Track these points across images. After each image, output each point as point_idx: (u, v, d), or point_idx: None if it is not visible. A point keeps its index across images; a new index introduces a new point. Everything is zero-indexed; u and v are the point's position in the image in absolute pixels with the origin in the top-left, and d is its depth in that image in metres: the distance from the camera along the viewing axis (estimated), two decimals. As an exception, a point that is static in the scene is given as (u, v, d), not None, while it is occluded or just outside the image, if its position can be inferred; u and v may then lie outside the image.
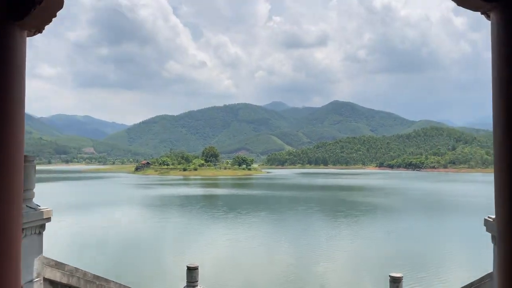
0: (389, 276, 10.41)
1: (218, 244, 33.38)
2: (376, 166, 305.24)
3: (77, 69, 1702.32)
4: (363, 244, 33.80)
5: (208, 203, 63.76)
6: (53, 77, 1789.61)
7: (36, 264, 6.31)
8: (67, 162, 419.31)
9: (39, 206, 6.54)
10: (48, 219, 6.61)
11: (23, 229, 5.91)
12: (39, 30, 4.65)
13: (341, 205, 60.34)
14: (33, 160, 6.35)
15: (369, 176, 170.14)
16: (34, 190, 6.65)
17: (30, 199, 6.42)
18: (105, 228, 40.25)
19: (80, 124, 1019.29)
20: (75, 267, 7.62)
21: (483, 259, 28.70)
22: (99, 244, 33.13)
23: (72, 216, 48.36)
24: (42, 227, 6.53)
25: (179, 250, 31.33)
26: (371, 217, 48.97)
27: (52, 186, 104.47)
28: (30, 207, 6.25)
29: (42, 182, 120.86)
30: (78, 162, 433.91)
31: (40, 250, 6.46)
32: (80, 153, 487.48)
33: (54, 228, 39.33)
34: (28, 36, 4.36)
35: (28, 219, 6.06)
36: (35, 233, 6.32)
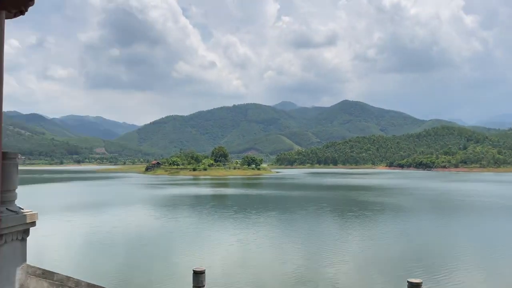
0: (407, 282, 9.56)
1: (227, 245, 32.68)
2: (386, 166, 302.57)
3: (89, 70, 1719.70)
4: (376, 245, 32.78)
5: (218, 203, 63.19)
6: (65, 78, 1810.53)
7: (19, 273, 5.56)
8: (78, 162, 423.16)
9: (22, 209, 5.79)
10: (33, 224, 5.85)
11: (2, 235, 5.22)
12: (21, 11, 4.44)
13: (352, 205, 59.26)
14: (15, 158, 5.58)
15: (379, 176, 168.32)
16: (17, 191, 5.89)
17: (12, 201, 5.67)
18: (115, 228, 39.84)
19: (91, 125, 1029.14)
20: (67, 276, 6.87)
21: (503, 262, 27.53)
22: (106, 245, 32.66)
23: (82, 216, 48.13)
24: (26, 232, 5.78)
25: (188, 251, 30.68)
26: (383, 217, 47.85)
27: (63, 187, 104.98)
28: (11, 210, 5.51)
29: (54, 183, 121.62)
30: (89, 162, 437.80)
31: (23, 258, 5.71)
32: (91, 154, 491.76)
33: (63, 229, 39.02)
34: (8, 18, 4.15)
35: (8, 224, 5.31)
36: (17, 239, 5.57)
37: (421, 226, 42.70)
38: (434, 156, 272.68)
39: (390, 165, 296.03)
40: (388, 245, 33.10)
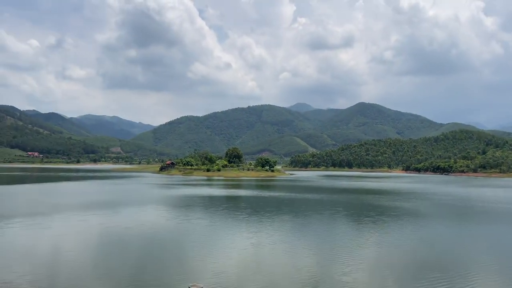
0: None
1: (241, 249, 32.07)
2: (402, 169, 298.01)
3: (106, 71, 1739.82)
4: (393, 252, 31.71)
5: (231, 205, 62.66)
6: (83, 78, 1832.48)
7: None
8: (95, 161, 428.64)
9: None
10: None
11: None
12: None
13: (369, 210, 57.99)
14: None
15: (395, 180, 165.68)
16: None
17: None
18: (127, 229, 39.61)
19: (108, 124, 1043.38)
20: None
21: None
22: (118, 247, 32.36)
23: (95, 216, 48.12)
24: None
25: (201, 254, 30.14)
26: (400, 223, 46.53)
27: (79, 185, 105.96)
28: None
29: (70, 181, 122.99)
30: (105, 161, 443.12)
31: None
32: (107, 153, 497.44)
33: (76, 229, 38.93)
34: None
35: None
36: None
37: (440, 232, 41.32)
38: (452, 160, 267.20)
39: (407, 169, 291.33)
40: (406, 252, 31.98)
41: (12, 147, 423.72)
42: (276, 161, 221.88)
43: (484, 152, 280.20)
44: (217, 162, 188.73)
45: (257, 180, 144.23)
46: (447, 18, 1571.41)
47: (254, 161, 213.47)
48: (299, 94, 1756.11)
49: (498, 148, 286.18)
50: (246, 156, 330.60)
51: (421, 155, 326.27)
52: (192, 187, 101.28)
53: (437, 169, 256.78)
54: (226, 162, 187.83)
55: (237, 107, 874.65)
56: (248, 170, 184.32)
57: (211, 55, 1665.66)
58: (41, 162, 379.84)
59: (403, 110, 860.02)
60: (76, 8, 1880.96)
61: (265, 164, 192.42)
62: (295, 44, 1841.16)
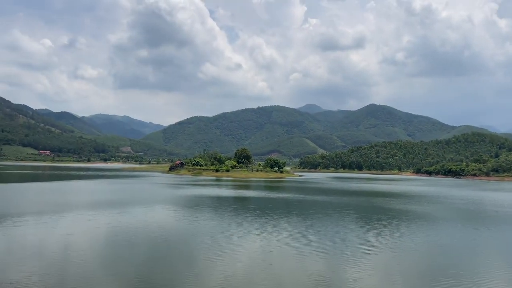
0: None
1: (250, 251, 31.69)
2: (413, 172, 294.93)
3: (117, 71, 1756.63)
4: (406, 258, 31.01)
5: (240, 206, 62.30)
6: (95, 78, 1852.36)
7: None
8: (105, 160, 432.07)
9: None
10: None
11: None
12: None
13: (379, 213, 57.13)
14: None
15: (406, 182, 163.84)
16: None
17: None
18: (136, 229, 39.43)
19: (119, 124, 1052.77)
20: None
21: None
22: (126, 247, 32.14)
23: (103, 215, 48.11)
24: None
25: (210, 256, 29.81)
26: (413, 227, 45.67)
27: (88, 184, 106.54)
28: None
29: (80, 180, 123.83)
30: (115, 160, 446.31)
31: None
32: (118, 152, 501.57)
33: (84, 229, 38.86)
34: None
35: None
36: None
37: (454, 237, 40.42)
38: (464, 163, 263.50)
39: (418, 171, 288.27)
40: (419, 257, 31.24)
41: (24, 145, 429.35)
42: (285, 162, 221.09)
43: (497, 156, 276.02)
44: (226, 162, 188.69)
45: (266, 181, 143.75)
46: (460, 19, 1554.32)
47: (263, 162, 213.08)
48: (309, 95, 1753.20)
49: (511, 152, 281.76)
50: (255, 157, 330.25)
51: (432, 158, 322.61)
52: (201, 187, 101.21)
53: (449, 172, 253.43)
54: (235, 163, 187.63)
55: (247, 107, 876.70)
56: (257, 171, 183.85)
57: (221, 55, 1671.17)
58: (53, 160, 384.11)
59: (414, 112, 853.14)
60: (89, 8, 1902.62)
61: (274, 165, 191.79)
62: (306, 45, 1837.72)
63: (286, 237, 37.11)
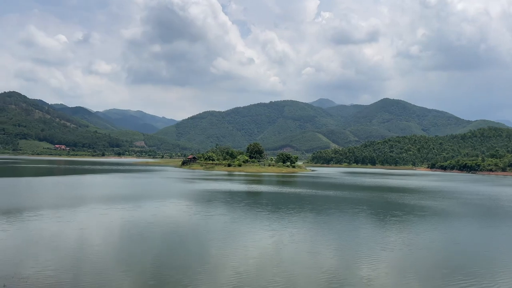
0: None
1: (262, 247, 31.34)
2: (427, 167, 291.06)
3: (131, 66, 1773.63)
4: (423, 254, 30.28)
5: (252, 201, 62.03)
6: (109, 73, 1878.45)
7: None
8: (119, 154, 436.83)
9: None
10: None
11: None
12: None
13: (394, 208, 56.23)
14: None
15: (420, 178, 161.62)
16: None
17: None
18: (149, 224, 39.43)
19: (132, 119, 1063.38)
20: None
21: None
22: (138, 240, 32.12)
23: (117, 210, 48.32)
24: None
25: (223, 250, 29.59)
26: (429, 223, 44.76)
27: (102, 178, 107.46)
28: None
29: (94, 174, 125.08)
30: (129, 154, 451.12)
31: None
32: (131, 146, 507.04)
33: (98, 223, 39.01)
34: None
35: None
36: None
37: (471, 234, 39.48)
38: (480, 158, 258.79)
39: (432, 166, 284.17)
40: (436, 255, 30.48)
41: (40, 139, 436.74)
42: (297, 157, 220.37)
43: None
44: (238, 157, 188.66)
45: (278, 176, 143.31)
46: (476, 12, 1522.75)
47: (275, 157, 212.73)
48: (322, 89, 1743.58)
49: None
50: (268, 152, 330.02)
51: (447, 153, 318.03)
52: (213, 181, 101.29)
53: (464, 168, 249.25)
54: (247, 158, 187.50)
55: (259, 102, 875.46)
56: (269, 165, 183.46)
57: (233, 50, 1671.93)
58: (68, 154, 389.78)
59: (429, 107, 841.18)
60: (102, 4, 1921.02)
61: (286, 160, 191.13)
62: (319, 39, 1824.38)
63: (298, 233, 36.69)
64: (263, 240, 33.67)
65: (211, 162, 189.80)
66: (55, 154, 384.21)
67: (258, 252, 29.76)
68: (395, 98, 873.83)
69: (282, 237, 34.77)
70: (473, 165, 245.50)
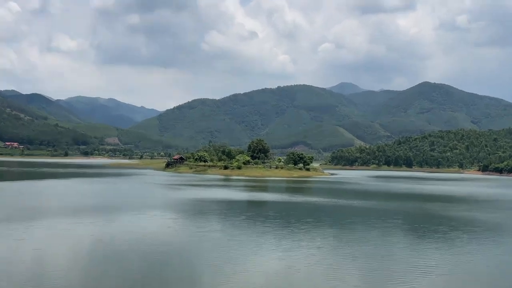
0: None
1: (270, 272, 31.42)
2: (478, 170, 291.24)
3: (101, 42, 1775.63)
4: (473, 281, 30.19)
5: (255, 213, 62.16)
6: (73, 51, 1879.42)
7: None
8: (86, 154, 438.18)
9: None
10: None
11: None
12: None
13: (437, 223, 56.18)
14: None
15: (470, 183, 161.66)
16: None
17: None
18: (125, 242, 39.49)
19: (103, 109, 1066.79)
20: None
21: None
22: (111, 263, 32.19)
23: (84, 224, 48.42)
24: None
25: (216, 278, 29.64)
26: (480, 241, 44.74)
27: (66, 184, 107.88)
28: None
29: (56, 179, 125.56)
30: (99, 154, 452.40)
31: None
32: (102, 144, 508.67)
33: (60, 240, 39.08)
34: None
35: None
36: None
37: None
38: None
39: (484, 169, 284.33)
40: (489, 281, 30.42)
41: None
42: (312, 157, 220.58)
43: None
44: (237, 157, 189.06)
45: (288, 181, 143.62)
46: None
47: (284, 157, 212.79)
48: (344, 71, 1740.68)
49: None
50: (275, 151, 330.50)
51: (503, 152, 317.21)
52: (206, 188, 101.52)
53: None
54: (248, 158, 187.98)
55: (264, 87, 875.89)
56: (277, 168, 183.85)
57: (231, 21, 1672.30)
58: (22, 154, 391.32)
59: (480, 93, 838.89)
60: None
61: (298, 161, 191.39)
62: (340, 7, 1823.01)
63: (314, 256, 36.70)
64: (270, 264, 33.70)
65: (203, 163, 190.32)
66: (5, 154, 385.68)
67: (263, 279, 29.77)
68: (437, 82, 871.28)
69: (293, 260, 34.77)
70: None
